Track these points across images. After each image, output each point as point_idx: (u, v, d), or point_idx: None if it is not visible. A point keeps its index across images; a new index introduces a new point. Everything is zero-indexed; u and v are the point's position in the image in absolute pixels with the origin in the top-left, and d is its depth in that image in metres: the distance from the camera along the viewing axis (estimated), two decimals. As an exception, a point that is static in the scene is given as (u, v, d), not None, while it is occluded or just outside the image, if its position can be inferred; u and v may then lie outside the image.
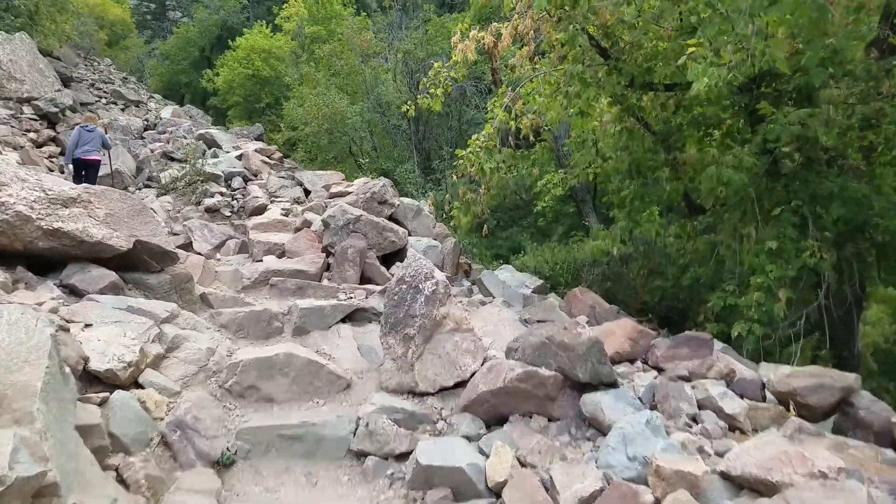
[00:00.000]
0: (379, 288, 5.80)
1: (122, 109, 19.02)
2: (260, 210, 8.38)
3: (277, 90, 24.78)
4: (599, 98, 6.72)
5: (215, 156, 11.22)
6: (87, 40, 23.65)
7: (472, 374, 3.83)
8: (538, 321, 5.15)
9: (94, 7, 28.16)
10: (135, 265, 4.56)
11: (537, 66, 7.67)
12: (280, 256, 6.60)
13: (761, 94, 5.81)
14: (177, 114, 19.71)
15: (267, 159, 10.63)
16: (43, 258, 4.13)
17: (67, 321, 3.59)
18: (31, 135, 11.15)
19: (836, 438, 3.19)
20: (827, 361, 6.65)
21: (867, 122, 5.45)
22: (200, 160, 9.50)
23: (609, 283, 8.99)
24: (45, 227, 3.95)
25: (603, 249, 8.87)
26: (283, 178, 10.14)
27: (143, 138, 15.28)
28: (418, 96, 7.53)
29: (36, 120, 11.27)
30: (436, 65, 7.41)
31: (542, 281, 6.75)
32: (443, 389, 3.85)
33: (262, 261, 6.48)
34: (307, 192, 9.75)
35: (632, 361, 4.13)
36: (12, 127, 10.53)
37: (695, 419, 3.36)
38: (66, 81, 16.49)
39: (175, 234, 8.70)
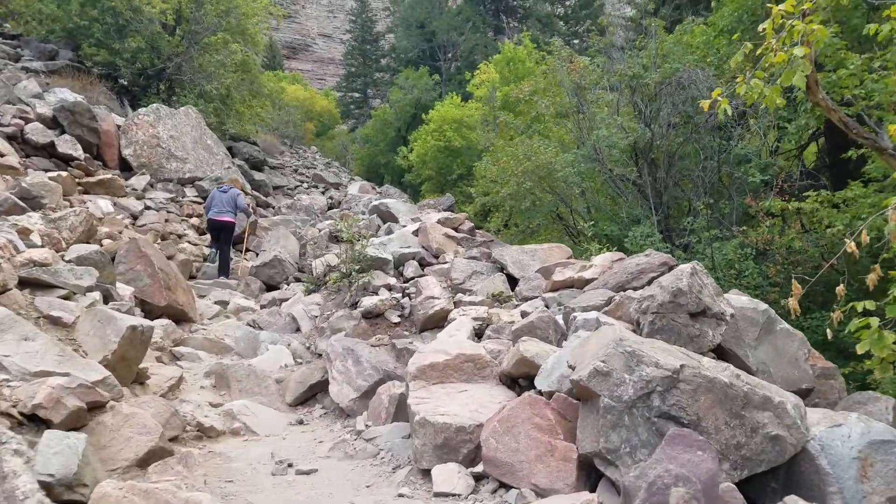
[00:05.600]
0: None
1: (323, 192, 18.90)
2: (436, 321, 4.86)
3: (469, 160, 22.86)
4: None
5: (390, 232, 8.33)
6: (293, 129, 24.38)
7: None
8: None
9: (304, 101, 29.91)
10: None
11: None
12: (470, 463, 2.82)
13: None
14: (364, 189, 18.37)
15: (452, 232, 7.32)
16: None
17: None
18: (194, 220, 9.51)
19: None
20: None
21: None
22: (361, 241, 6.50)
23: None
24: None
25: None
26: (474, 258, 6.65)
27: (326, 217, 13.79)
28: (738, 80, 3.68)
29: (199, 202, 9.66)
30: (776, 8, 3.49)
31: None
32: None
33: (430, 475, 2.78)
34: (513, 281, 6.07)
35: None
36: (168, 212, 8.90)
37: None
38: (259, 165, 15.88)
39: (318, 356, 5.81)
